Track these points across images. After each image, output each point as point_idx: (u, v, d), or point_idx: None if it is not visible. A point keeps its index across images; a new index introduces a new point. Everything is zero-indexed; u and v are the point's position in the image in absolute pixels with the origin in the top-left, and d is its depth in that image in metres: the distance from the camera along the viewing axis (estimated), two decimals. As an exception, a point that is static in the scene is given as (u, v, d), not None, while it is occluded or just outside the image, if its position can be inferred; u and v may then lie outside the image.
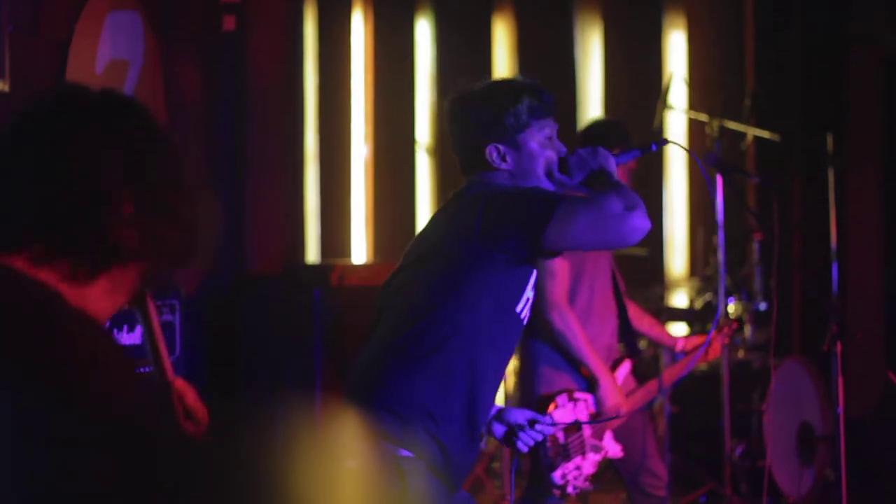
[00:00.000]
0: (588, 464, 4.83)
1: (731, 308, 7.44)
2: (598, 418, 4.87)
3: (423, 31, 8.57)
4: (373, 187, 8.31)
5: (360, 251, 8.18)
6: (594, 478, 4.92)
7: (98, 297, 1.92)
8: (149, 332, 2.29)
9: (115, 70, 5.61)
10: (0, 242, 1.90)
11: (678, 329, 8.20)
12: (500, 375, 3.50)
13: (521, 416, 3.63)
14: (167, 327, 5.13)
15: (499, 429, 3.63)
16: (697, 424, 7.19)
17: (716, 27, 9.15)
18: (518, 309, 3.41)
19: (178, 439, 2.00)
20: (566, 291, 4.98)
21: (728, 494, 6.57)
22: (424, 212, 8.52)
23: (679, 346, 5.60)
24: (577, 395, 4.90)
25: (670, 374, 5.44)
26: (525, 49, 8.79)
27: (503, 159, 3.49)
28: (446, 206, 3.57)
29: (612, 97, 8.91)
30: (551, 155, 3.52)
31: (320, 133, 8.06)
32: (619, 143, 5.18)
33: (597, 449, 4.89)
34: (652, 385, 5.28)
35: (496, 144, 3.48)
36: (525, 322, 3.48)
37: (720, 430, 6.65)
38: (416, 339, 3.36)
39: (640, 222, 3.27)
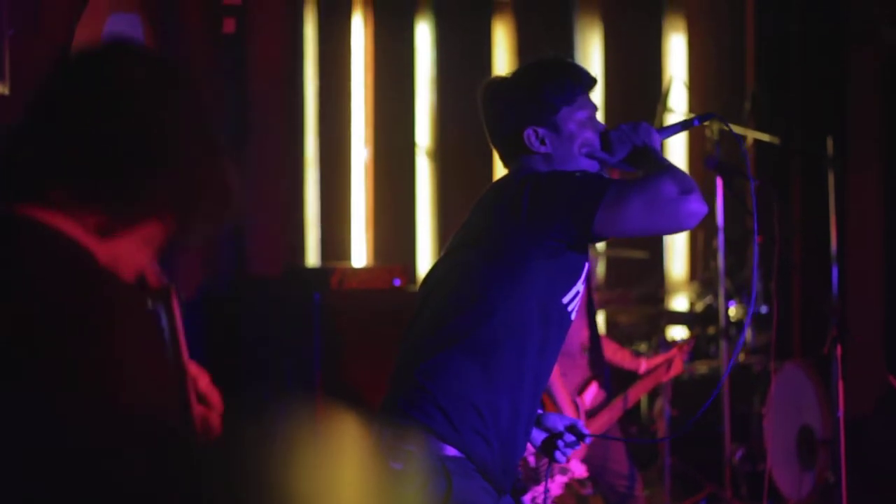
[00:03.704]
0: (556, 486, 4.83)
1: (732, 311, 7.44)
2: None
3: (424, 35, 8.57)
4: (373, 190, 8.31)
5: (360, 254, 8.18)
6: (560, 500, 4.93)
7: (126, 252, 1.90)
8: (171, 324, 2.29)
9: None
10: (24, 187, 1.86)
11: (679, 332, 8.21)
12: (547, 370, 3.36)
13: (560, 422, 3.51)
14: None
15: (537, 435, 3.50)
16: (697, 428, 7.18)
17: (716, 30, 9.16)
18: (565, 300, 3.27)
19: (186, 438, 1.99)
20: None
21: (728, 498, 6.57)
22: (424, 215, 8.52)
23: (643, 368, 5.66)
24: None
25: (635, 392, 5.50)
26: (525, 52, 8.78)
27: (542, 142, 3.35)
28: (487, 194, 3.46)
29: (612, 100, 8.91)
30: (591, 136, 3.38)
31: (320, 136, 8.06)
32: None
33: (564, 471, 4.88)
34: (617, 404, 5.33)
35: (534, 127, 3.36)
36: (573, 316, 3.34)
37: (720, 433, 6.65)
38: (460, 330, 3.22)
39: (697, 206, 3.12)
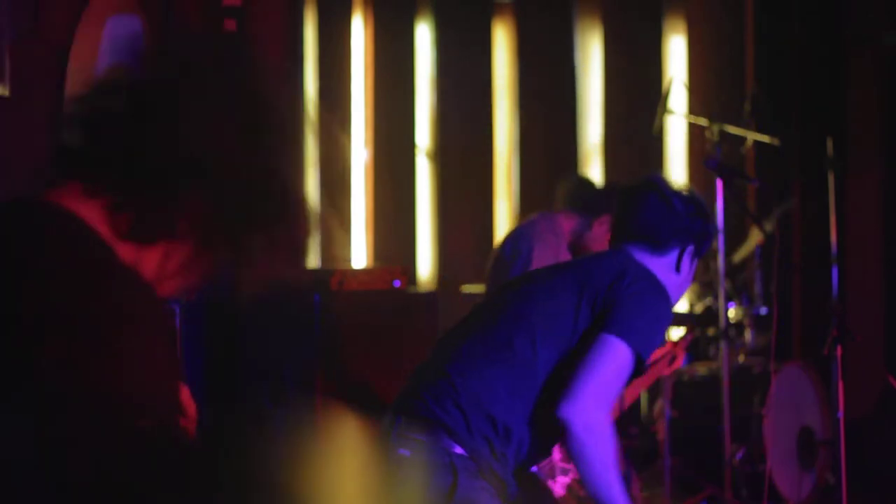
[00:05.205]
0: (558, 486, 4.83)
1: (732, 313, 7.44)
2: None
3: (423, 36, 8.57)
4: (373, 192, 8.31)
5: (359, 256, 8.18)
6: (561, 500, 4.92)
7: (146, 263, 1.88)
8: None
9: (115, 74, 5.60)
10: (62, 173, 1.86)
11: (678, 333, 8.20)
12: None
13: None
14: (167, 332, 5.11)
15: None
16: (697, 429, 7.18)
17: (716, 31, 9.15)
18: None
19: (185, 438, 1.99)
20: None
21: (728, 499, 6.56)
22: (425, 216, 8.51)
23: None
24: None
25: (632, 389, 5.48)
26: (525, 53, 8.78)
27: (675, 262, 3.66)
28: (602, 256, 3.73)
29: (612, 101, 8.91)
30: (689, 283, 3.77)
31: (320, 137, 8.05)
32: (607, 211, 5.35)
33: (566, 472, 4.89)
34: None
35: (683, 249, 3.66)
36: None
37: (720, 434, 6.65)
38: (511, 347, 3.39)
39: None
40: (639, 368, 3.42)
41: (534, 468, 3.95)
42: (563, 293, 3.48)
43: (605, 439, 3.28)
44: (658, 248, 3.64)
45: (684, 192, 3.72)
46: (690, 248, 3.68)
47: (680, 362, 5.73)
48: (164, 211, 1.85)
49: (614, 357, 3.33)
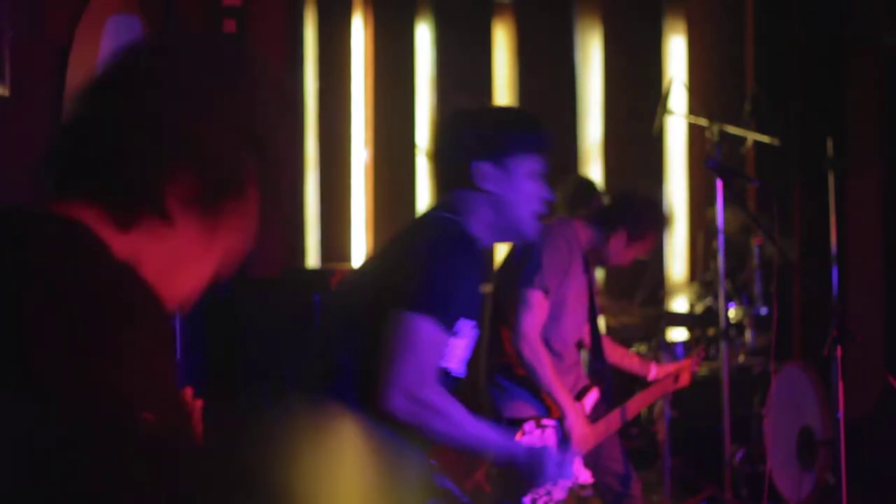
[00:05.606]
0: (558, 490, 4.82)
1: (732, 313, 7.44)
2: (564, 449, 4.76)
3: (423, 36, 8.57)
4: (373, 192, 8.31)
5: (360, 256, 8.18)
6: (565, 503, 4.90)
7: (167, 268, 1.89)
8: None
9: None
10: (63, 188, 1.84)
11: (678, 334, 8.20)
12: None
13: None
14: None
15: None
16: (697, 429, 7.18)
17: (716, 32, 9.16)
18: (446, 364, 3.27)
19: (191, 455, 1.99)
20: (540, 324, 4.93)
21: (728, 499, 6.56)
22: (424, 216, 8.52)
23: (652, 375, 5.63)
24: (545, 421, 4.87)
25: (637, 402, 5.46)
26: (525, 53, 8.79)
27: (489, 180, 3.34)
28: (397, 234, 3.48)
29: (612, 101, 8.91)
30: (538, 189, 3.38)
31: (320, 137, 8.06)
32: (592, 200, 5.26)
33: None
34: (615, 415, 5.28)
35: (484, 162, 3.34)
36: (461, 374, 3.34)
37: (720, 434, 6.65)
38: (335, 370, 3.35)
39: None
40: (461, 327, 3.21)
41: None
42: (366, 291, 3.31)
43: (443, 409, 3.13)
44: (462, 179, 3.37)
45: (471, 112, 3.48)
46: (490, 158, 3.34)
47: (686, 381, 5.70)
48: (154, 191, 1.84)
49: (415, 333, 3.12)
